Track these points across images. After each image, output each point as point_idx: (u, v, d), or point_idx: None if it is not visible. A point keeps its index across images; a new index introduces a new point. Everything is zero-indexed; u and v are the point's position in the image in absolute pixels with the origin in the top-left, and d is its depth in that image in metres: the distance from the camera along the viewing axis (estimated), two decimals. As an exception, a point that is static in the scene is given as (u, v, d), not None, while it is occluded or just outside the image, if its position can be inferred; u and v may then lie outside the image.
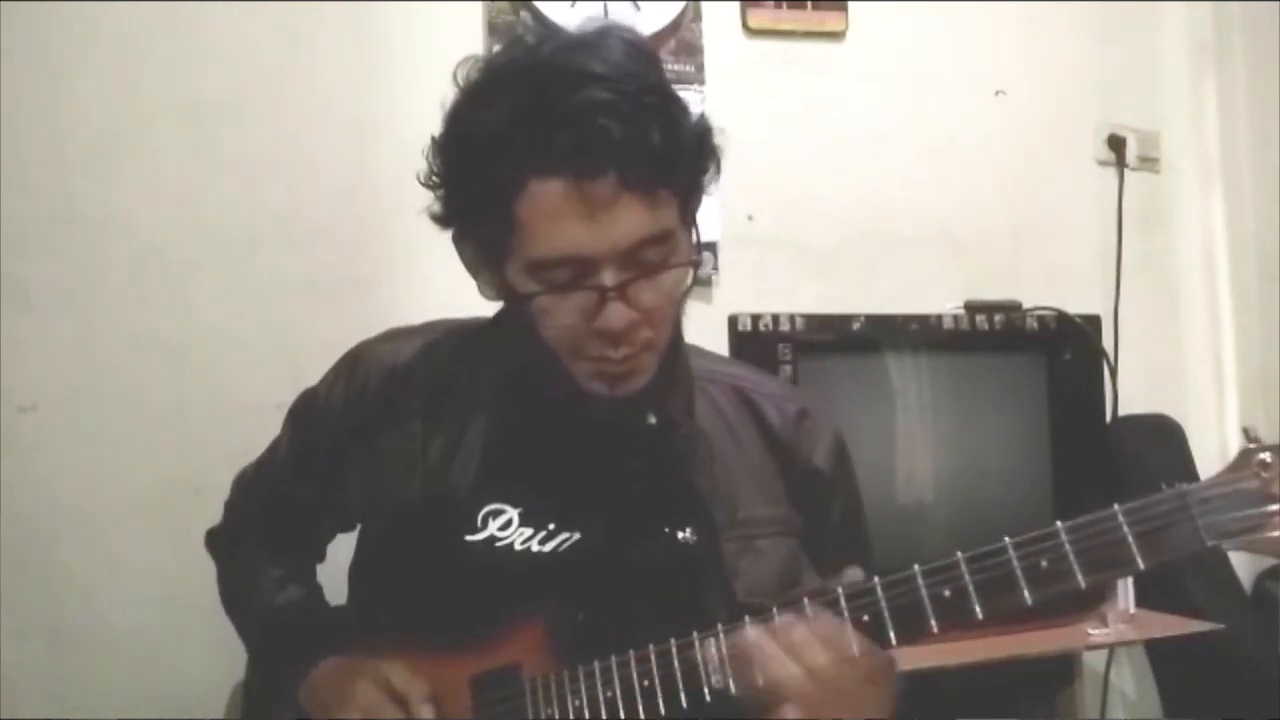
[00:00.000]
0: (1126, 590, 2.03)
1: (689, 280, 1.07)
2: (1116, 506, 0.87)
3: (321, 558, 1.38)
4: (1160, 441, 2.29)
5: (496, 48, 1.28)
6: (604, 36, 1.03)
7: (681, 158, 1.02)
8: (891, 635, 0.94)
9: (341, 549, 1.31)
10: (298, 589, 1.30)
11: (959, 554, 0.92)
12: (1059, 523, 0.89)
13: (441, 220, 1.08)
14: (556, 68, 0.99)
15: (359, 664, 1.13)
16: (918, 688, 1.60)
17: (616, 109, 0.96)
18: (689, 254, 1.05)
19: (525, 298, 1.03)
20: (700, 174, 1.07)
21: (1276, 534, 0.83)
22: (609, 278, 0.99)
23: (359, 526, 1.27)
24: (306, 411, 1.27)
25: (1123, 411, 2.29)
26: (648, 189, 0.98)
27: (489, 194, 1.01)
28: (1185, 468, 2.25)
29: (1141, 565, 0.85)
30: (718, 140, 1.08)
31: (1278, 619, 2.15)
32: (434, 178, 1.06)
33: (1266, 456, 0.84)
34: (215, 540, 1.40)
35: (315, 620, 1.26)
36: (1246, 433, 0.87)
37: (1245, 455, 0.85)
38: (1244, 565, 2.30)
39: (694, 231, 1.08)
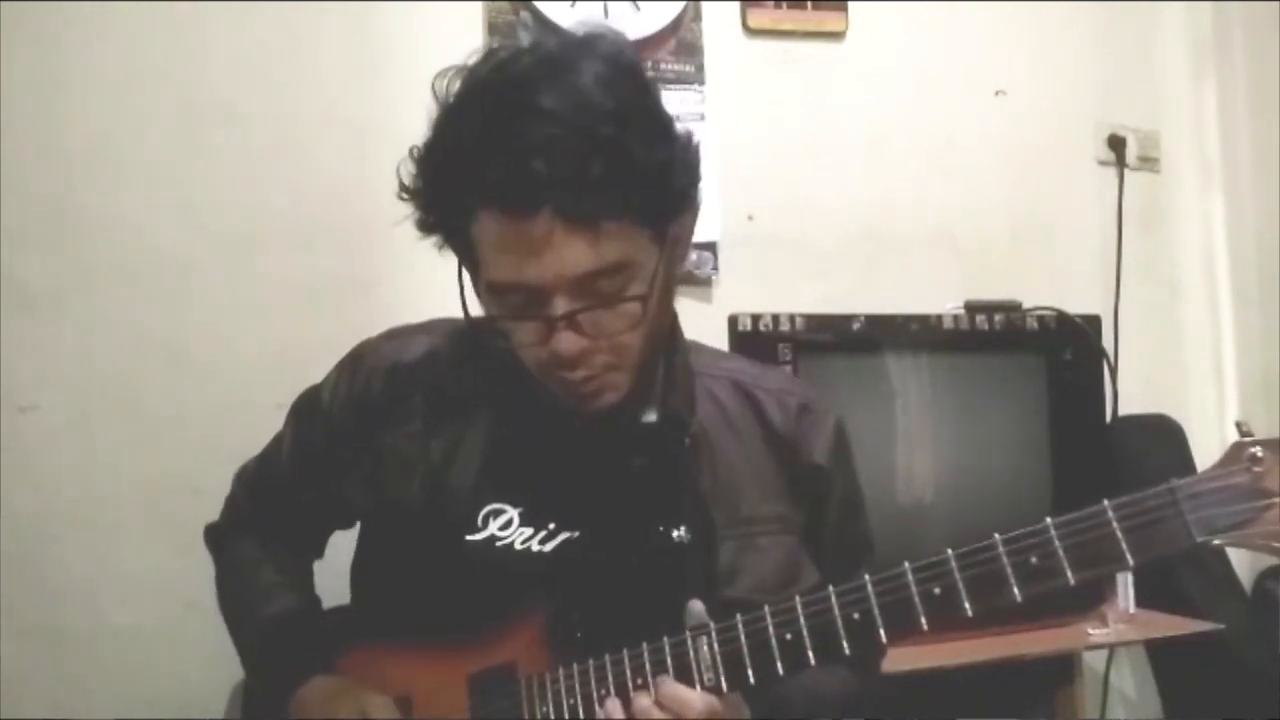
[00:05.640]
0: (1126, 590, 2.03)
1: (647, 309, 1.03)
2: (1106, 502, 0.86)
3: (320, 554, 1.37)
4: (1160, 441, 2.29)
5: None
6: (581, 55, 1.01)
7: (634, 187, 0.98)
8: (881, 632, 0.94)
9: (343, 549, 1.31)
10: (292, 596, 1.29)
11: (949, 551, 0.92)
12: (1049, 519, 0.88)
13: (421, 229, 1.08)
14: (510, 96, 0.98)
15: (342, 690, 1.14)
16: (918, 688, 1.61)
17: (558, 145, 0.94)
18: (649, 281, 1.03)
19: (489, 319, 1.06)
20: (671, 198, 1.04)
21: (1268, 529, 0.82)
22: (559, 306, 1.00)
23: (360, 525, 1.27)
24: (309, 410, 1.27)
25: (1123, 411, 2.28)
26: (589, 223, 0.97)
27: (449, 216, 1.03)
28: (1185, 468, 2.22)
29: (1131, 561, 0.85)
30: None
31: (1278, 619, 2.14)
32: (404, 192, 1.07)
33: (1258, 450, 0.83)
34: (214, 536, 1.39)
35: (305, 634, 1.24)
36: (1239, 426, 0.86)
37: (1236, 449, 0.84)
38: (1244, 565, 2.29)
39: (676, 249, 1.07)
